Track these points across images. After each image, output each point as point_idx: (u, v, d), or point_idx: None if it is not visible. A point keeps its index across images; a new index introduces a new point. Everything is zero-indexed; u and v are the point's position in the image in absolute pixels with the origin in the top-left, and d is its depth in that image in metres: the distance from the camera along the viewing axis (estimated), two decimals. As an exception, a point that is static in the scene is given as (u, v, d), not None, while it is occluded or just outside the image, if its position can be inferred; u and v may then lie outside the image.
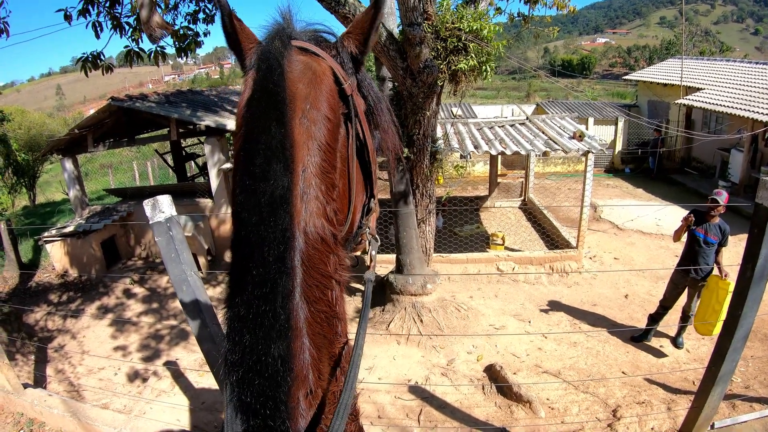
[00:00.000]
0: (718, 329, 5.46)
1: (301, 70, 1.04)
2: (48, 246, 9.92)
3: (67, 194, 13.44)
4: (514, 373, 5.91)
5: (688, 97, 15.26)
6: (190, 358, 6.82)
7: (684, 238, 6.25)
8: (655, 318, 6.59)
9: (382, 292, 7.70)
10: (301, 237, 0.90)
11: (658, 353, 6.42)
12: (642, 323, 7.03)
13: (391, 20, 6.08)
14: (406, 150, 6.42)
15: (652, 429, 4.87)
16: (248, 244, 0.85)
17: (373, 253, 1.17)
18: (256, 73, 0.99)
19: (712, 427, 3.69)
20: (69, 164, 10.69)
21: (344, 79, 1.11)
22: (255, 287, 0.82)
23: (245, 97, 1.00)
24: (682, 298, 6.40)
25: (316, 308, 0.92)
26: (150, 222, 2.74)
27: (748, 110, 12.34)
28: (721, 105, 13.53)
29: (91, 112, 10.32)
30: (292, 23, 1.11)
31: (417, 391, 5.70)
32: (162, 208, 2.73)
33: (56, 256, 9.98)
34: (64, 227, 9.96)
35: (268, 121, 0.91)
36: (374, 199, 1.24)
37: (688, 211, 6.16)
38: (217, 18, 7.52)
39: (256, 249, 0.84)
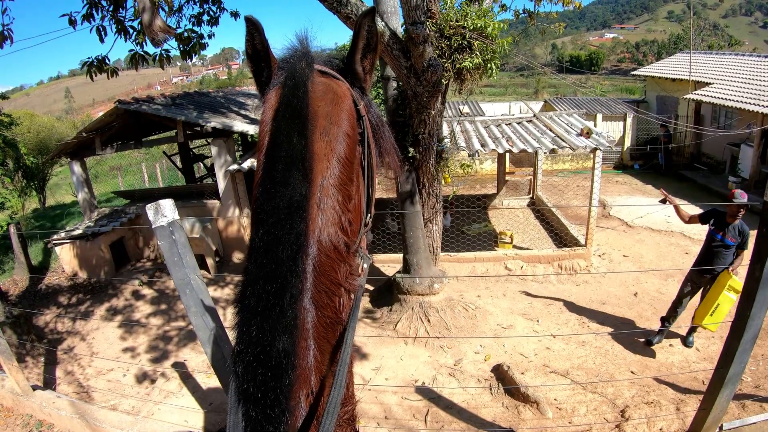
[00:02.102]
0: (707, 320, 5.68)
1: (323, 91, 1.13)
2: (57, 249, 10.00)
3: (76, 197, 13.54)
4: (522, 373, 5.87)
5: (696, 92, 15.14)
6: (198, 359, 6.84)
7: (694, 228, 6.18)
8: (666, 319, 6.50)
9: (389, 293, 7.69)
10: (314, 244, 0.95)
11: (668, 352, 6.36)
12: (652, 321, 6.99)
13: (395, 19, 6.05)
14: (411, 149, 6.39)
15: (660, 430, 4.82)
16: (264, 243, 0.89)
17: (365, 266, 1.20)
18: (283, 89, 1.05)
19: (721, 429, 3.64)
20: (77, 167, 10.75)
21: (359, 100, 1.21)
22: (266, 282, 0.85)
23: (271, 109, 1.06)
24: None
25: (323, 313, 0.96)
26: (153, 226, 2.73)
27: (758, 104, 12.23)
28: (730, 99, 13.41)
29: (100, 114, 10.37)
30: (310, 47, 1.19)
31: (424, 391, 5.68)
32: (164, 212, 2.73)
33: (65, 259, 10.06)
34: (73, 230, 10.03)
35: (291, 133, 0.97)
36: (370, 214, 1.28)
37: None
38: (222, 19, 7.54)
39: (271, 247, 0.88)
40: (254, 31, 1.14)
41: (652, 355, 6.30)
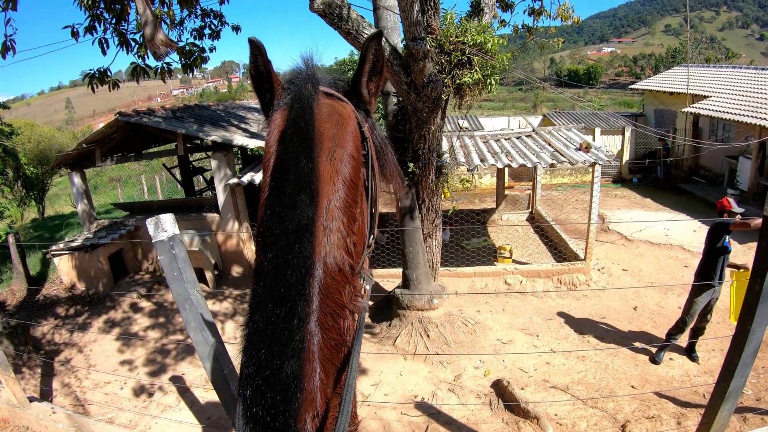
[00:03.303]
0: None
1: (328, 113, 1.14)
2: (56, 259, 9.98)
3: (75, 207, 13.55)
4: (522, 389, 5.85)
5: (694, 105, 15.23)
6: (196, 373, 6.80)
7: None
8: (672, 333, 6.48)
9: (389, 307, 7.68)
10: (320, 266, 0.96)
11: (668, 366, 6.35)
12: (652, 335, 7.00)
13: (395, 35, 6.10)
14: (411, 165, 6.41)
15: (662, 446, 4.80)
16: (273, 266, 0.89)
17: (367, 287, 1.20)
18: (290, 111, 1.06)
19: (723, 443, 3.62)
20: (77, 178, 10.76)
21: (363, 122, 1.22)
22: (276, 305, 0.86)
23: (277, 131, 1.07)
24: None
25: (328, 335, 0.96)
26: (153, 241, 2.74)
27: (756, 117, 12.31)
28: (728, 112, 13.51)
29: (100, 125, 10.38)
30: (315, 69, 1.21)
31: (423, 407, 5.65)
32: (165, 227, 2.74)
33: (64, 270, 10.04)
34: (72, 241, 10.02)
35: (299, 156, 0.98)
36: (373, 235, 1.29)
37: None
38: (224, 33, 7.59)
39: (280, 271, 0.88)
40: (257, 52, 1.16)
41: (653, 369, 6.29)
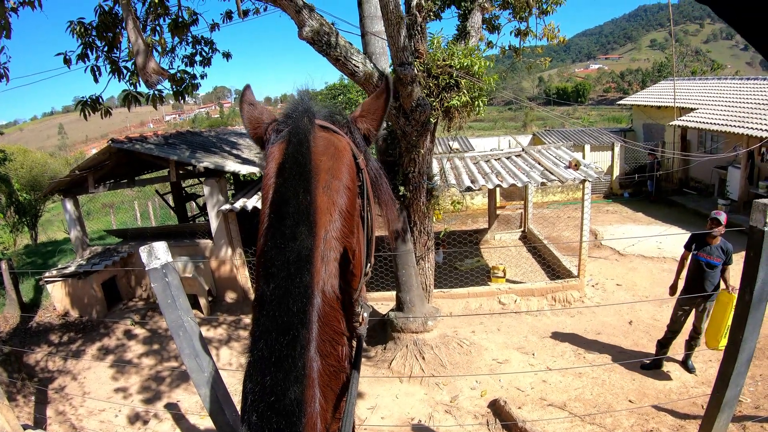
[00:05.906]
0: (722, 342, 5.40)
1: (324, 146, 1.18)
2: (49, 286, 9.91)
3: (68, 234, 13.49)
4: (519, 408, 5.83)
5: (682, 118, 15.38)
6: (191, 400, 6.75)
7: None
8: (663, 343, 6.52)
9: (383, 331, 7.66)
10: (319, 295, 0.99)
11: (665, 378, 6.36)
12: (648, 349, 7.00)
13: (383, 60, 6.18)
14: (402, 188, 6.45)
15: (660, 461, 4.79)
16: (276, 296, 0.90)
17: (365, 315, 1.23)
18: (287, 146, 1.08)
19: (720, 453, 3.62)
20: (70, 205, 10.74)
21: (358, 154, 1.25)
22: (279, 334, 0.87)
23: (275, 164, 1.10)
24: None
25: (327, 362, 1.00)
26: (146, 268, 2.77)
27: (743, 127, 12.49)
28: (715, 123, 13.68)
29: (93, 151, 10.41)
30: (311, 102, 1.23)
31: (420, 430, 5.63)
32: (158, 254, 2.77)
33: (57, 297, 9.97)
34: (65, 268, 9.97)
35: (297, 189, 1.00)
36: (370, 263, 1.32)
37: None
38: (215, 60, 7.65)
39: (283, 300, 0.89)
40: (243, 103, 1.25)
41: (650, 382, 6.29)
